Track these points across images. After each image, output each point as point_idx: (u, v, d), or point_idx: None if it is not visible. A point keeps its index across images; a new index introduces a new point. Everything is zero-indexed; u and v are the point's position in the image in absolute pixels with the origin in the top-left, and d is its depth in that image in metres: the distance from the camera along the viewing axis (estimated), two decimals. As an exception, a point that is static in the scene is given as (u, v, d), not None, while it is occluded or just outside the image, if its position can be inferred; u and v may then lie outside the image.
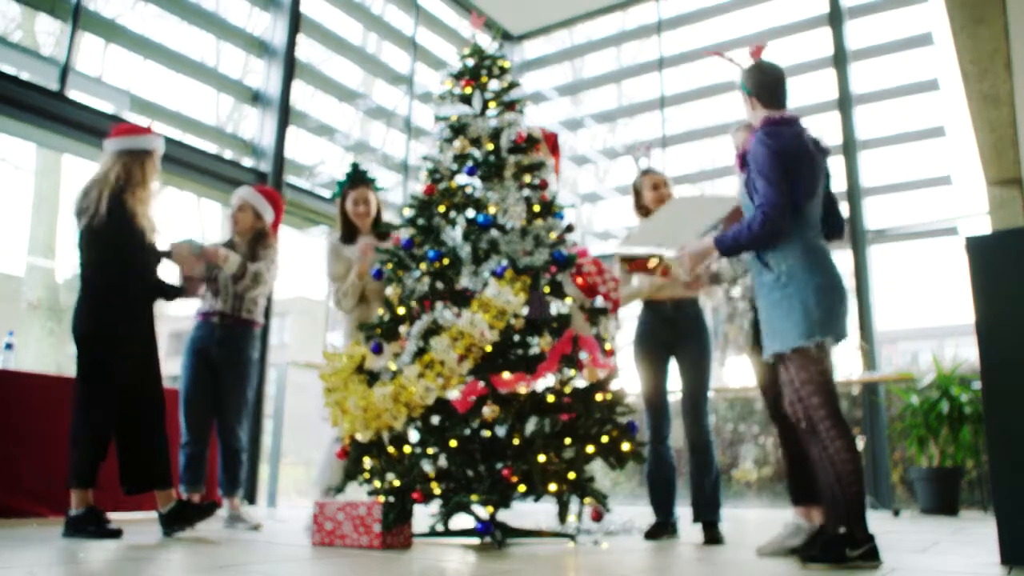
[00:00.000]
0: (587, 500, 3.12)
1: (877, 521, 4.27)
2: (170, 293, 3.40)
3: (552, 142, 3.68)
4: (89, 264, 3.16)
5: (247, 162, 5.88)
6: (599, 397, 3.14)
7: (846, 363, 6.05)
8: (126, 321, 3.13)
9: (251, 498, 5.40)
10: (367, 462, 3.08)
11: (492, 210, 3.32)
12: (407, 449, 3.06)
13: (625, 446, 3.11)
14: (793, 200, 2.42)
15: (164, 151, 3.41)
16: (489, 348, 3.06)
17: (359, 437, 3.06)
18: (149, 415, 3.15)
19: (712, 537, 3.17)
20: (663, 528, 3.36)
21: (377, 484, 3.02)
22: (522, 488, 2.92)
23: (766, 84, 2.58)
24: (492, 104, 3.56)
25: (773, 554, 2.67)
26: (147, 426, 3.13)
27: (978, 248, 2.35)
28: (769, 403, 2.97)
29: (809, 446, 2.45)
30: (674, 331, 3.43)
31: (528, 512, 4.30)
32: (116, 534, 2.91)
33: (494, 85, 3.61)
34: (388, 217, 3.99)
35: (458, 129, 3.52)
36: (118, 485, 3.12)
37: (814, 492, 2.69)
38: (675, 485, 3.43)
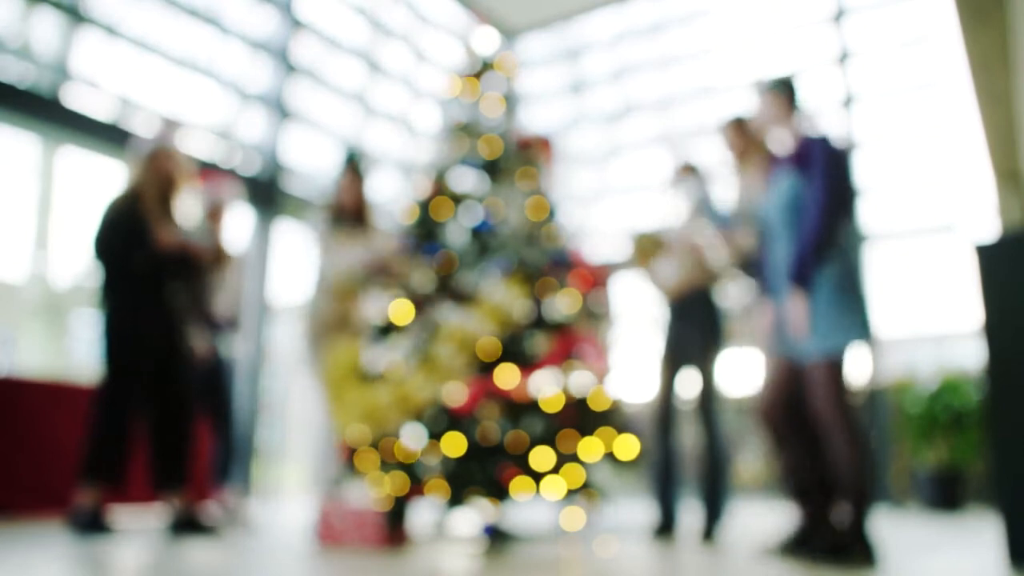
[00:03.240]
0: (587, 499, 3.12)
1: (881, 520, 4.25)
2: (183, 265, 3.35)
3: (545, 146, 3.68)
4: (108, 262, 3.20)
5: (245, 164, 5.87)
6: (598, 397, 3.14)
7: (853, 366, 6.04)
8: (144, 321, 3.17)
9: (252, 496, 5.39)
10: (368, 462, 3.08)
11: (493, 210, 3.32)
12: (408, 449, 3.05)
13: (625, 446, 3.10)
14: (848, 206, 2.54)
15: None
16: (490, 348, 3.05)
17: (360, 437, 3.05)
18: (170, 415, 3.18)
19: (706, 534, 3.18)
20: (665, 526, 3.34)
21: (378, 484, 3.01)
22: (522, 488, 2.92)
23: (796, 96, 2.69)
24: (493, 104, 3.56)
25: (778, 554, 2.65)
26: (166, 426, 3.18)
27: (985, 251, 2.33)
28: (779, 403, 2.94)
29: (821, 447, 2.47)
30: (683, 328, 3.41)
31: (528, 512, 4.29)
32: (111, 532, 2.91)
33: (496, 85, 3.61)
34: (388, 218, 3.97)
35: (460, 129, 3.52)
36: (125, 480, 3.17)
37: (815, 491, 2.69)
38: (678, 483, 3.40)
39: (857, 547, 2.32)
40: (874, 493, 2.40)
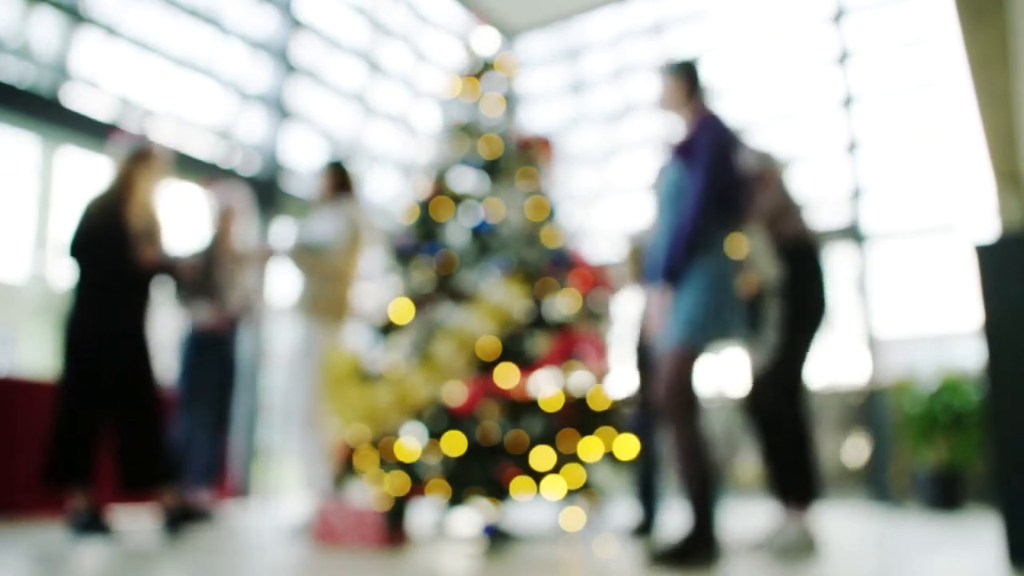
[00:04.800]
0: (587, 499, 3.11)
1: (881, 520, 4.25)
2: (161, 279, 3.32)
3: (545, 146, 3.68)
4: (82, 263, 3.16)
5: (245, 164, 5.87)
6: (598, 396, 3.14)
7: (853, 366, 6.04)
8: (108, 319, 3.12)
9: (251, 495, 5.38)
10: (369, 462, 3.07)
11: (494, 210, 3.32)
12: (408, 449, 3.05)
13: (625, 446, 3.10)
14: (728, 203, 2.42)
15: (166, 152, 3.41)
16: (490, 347, 3.05)
17: (360, 436, 3.05)
18: (146, 412, 3.14)
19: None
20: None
21: (378, 484, 3.01)
22: (522, 488, 2.92)
23: (698, 80, 2.59)
24: (493, 104, 3.56)
25: (763, 553, 2.63)
26: (143, 423, 3.13)
27: (985, 251, 2.33)
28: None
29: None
30: None
31: (528, 512, 4.28)
32: (111, 532, 2.91)
33: (496, 85, 3.61)
34: (390, 217, 3.98)
35: (460, 129, 3.52)
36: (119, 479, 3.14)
37: (800, 490, 2.68)
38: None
39: (691, 548, 2.25)
40: (710, 494, 2.31)
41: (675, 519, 3.47)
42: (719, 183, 2.38)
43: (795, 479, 2.73)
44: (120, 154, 3.27)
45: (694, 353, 2.38)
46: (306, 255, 3.32)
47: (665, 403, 2.38)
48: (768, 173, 2.89)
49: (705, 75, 2.59)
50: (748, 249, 2.72)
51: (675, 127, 2.62)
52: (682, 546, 2.26)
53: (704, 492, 2.30)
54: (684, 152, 2.48)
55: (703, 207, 2.36)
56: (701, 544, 2.26)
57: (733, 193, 2.44)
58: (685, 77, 2.58)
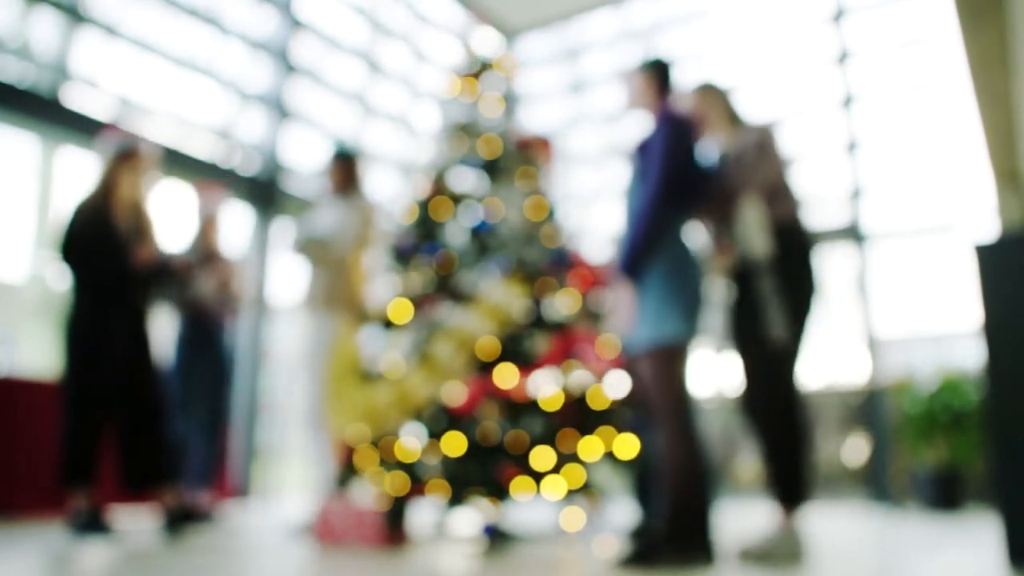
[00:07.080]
0: (588, 499, 3.11)
1: (881, 520, 4.25)
2: (158, 279, 3.33)
3: (545, 146, 3.69)
4: (76, 267, 3.16)
5: (245, 164, 5.87)
6: (597, 396, 3.14)
7: (852, 366, 6.04)
8: (107, 319, 3.12)
9: (250, 495, 5.38)
10: (369, 461, 3.08)
11: (493, 210, 3.32)
12: (408, 449, 3.05)
13: (625, 445, 3.10)
14: (686, 194, 2.42)
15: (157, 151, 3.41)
16: (490, 347, 3.05)
17: (360, 436, 3.05)
18: (147, 411, 3.14)
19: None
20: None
21: (378, 483, 3.01)
22: (522, 488, 2.92)
23: (668, 79, 2.59)
24: (493, 104, 3.56)
25: (756, 558, 2.58)
26: (145, 422, 3.13)
27: (985, 251, 2.33)
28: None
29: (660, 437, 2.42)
30: None
31: (528, 512, 4.28)
32: (111, 532, 2.91)
33: (495, 85, 3.61)
34: (391, 217, 3.97)
35: (459, 129, 3.52)
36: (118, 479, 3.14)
37: (791, 490, 2.64)
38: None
39: (668, 550, 2.22)
40: (703, 496, 2.27)
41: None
42: (676, 174, 2.36)
43: (790, 478, 2.69)
44: (105, 153, 3.25)
45: (678, 351, 2.34)
46: (314, 247, 3.29)
47: (656, 406, 2.36)
48: (768, 142, 2.76)
49: (675, 77, 2.59)
50: (740, 221, 2.62)
51: (643, 126, 2.60)
52: (654, 547, 2.23)
53: (698, 497, 2.27)
54: (644, 149, 2.48)
55: (659, 198, 2.34)
56: (687, 547, 2.23)
57: (691, 184, 2.42)
58: (656, 76, 2.57)
